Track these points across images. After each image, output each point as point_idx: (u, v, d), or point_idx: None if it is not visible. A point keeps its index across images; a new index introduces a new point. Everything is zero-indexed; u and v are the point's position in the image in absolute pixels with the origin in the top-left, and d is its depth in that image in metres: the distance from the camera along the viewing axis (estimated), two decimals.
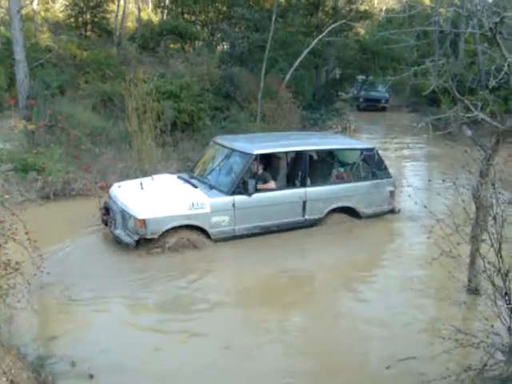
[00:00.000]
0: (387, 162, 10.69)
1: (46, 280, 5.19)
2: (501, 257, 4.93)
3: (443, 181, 6.10)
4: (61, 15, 30.89)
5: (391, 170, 10.77)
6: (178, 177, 9.98)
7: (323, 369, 5.84)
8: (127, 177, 10.55)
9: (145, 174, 10.55)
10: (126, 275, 8.06)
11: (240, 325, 6.75)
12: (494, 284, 4.96)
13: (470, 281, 7.18)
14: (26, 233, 4.65)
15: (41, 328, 6.37)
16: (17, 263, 4.93)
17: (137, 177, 10.25)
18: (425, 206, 6.08)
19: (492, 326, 4.99)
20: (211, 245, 8.84)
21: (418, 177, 14.87)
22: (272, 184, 9.45)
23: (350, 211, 10.12)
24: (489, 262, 5.01)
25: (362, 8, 24.31)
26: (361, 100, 29.19)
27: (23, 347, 5.62)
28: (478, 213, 6.75)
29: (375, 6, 41.50)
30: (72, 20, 27.71)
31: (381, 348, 6.27)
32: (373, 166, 10.12)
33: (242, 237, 9.12)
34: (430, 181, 9.79)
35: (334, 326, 6.74)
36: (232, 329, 6.57)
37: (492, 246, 5.02)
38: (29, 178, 10.30)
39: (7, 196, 4.99)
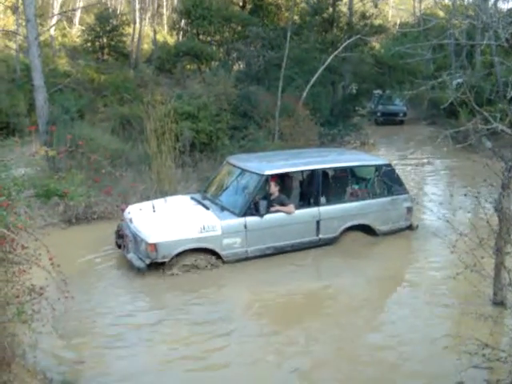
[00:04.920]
0: (408, 177, 10.60)
1: (70, 304, 5.20)
2: None
3: (465, 195, 6.05)
4: (78, 40, 31.37)
5: (411, 185, 10.69)
6: (191, 198, 9.95)
7: None
8: (147, 198, 10.58)
9: (165, 196, 10.58)
10: (145, 299, 8.15)
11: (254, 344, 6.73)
12: None
13: (495, 294, 7.11)
14: (50, 258, 4.67)
15: (66, 353, 6.37)
16: (41, 288, 4.96)
17: (156, 198, 10.27)
18: (447, 221, 6.03)
19: None
20: (224, 266, 8.81)
21: (439, 191, 14.72)
22: (291, 208, 9.28)
23: (366, 229, 9.98)
24: None
25: (377, 23, 24.28)
26: (378, 114, 29.09)
27: (49, 372, 5.64)
28: (501, 225, 6.68)
29: (389, 20, 41.53)
30: (89, 44, 28.10)
31: (408, 365, 6.21)
32: (389, 181, 9.99)
33: (255, 257, 9.06)
34: (452, 196, 9.64)
35: (355, 344, 6.68)
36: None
37: None
38: (51, 202, 10.40)
39: (30, 221, 5.00)
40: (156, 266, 8.50)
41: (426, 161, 17.42)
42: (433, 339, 6.65)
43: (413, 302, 7.81)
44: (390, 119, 28.89)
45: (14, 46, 26.04)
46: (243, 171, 9.67)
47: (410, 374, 6.05)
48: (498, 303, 7.07)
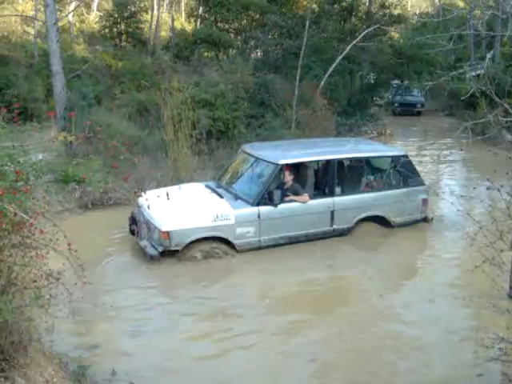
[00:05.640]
0: (427, 168, 10.50)
1: (87, 289, 5.22)
2: None
3: (488, 188, 5.98)
4: (96, 26, 31.38)
5: (430, 177, 10.59)
6: (206, 185, 9.93)
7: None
8: (164, 185, 10.59)
9: (181, 183, 10.57)
10: (159, 287, 8.20)
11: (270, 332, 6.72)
12: None
13: (511, 288, 7.05)
14: (69, 244, 4.68)
15: (82, 337, 6.41)
16: (58, 273, 4.97)
17: (173, 185, 10.27)
18: (468, 214, 5.97)
19: None
20: (237, 255, 8.80)
21: (459, 183, 14.60)
22: (306, 197, 9.21)
23: (381, 220, 9.90)
24: None
25: (396, 12, 24.09)
26: (396, 105, 28.90)
27: (65, 356, 5.68)
28: None
29: (409, 9, 41.23)
30: (107, 31, 28.07)
31: (422, 356, 6.18)
32: (405, 173, 9.89)
33: (268, 247, 9.04)
34: (474, 188, 9.50)
35: (370, 336, 6.65)
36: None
37: None
38: (67, 188, 10.44)
39: (48, 207, 5.01)
40: (169, 254, 8.50)
41: (446, 152, 17.25)
42: (449, 331, 6.63)
43: (428, 294, 7.77)
44: (407, 110, 28.71)
45: (32, 31, 26.17)
46: (258, 160, 9.61)
47: (427, 364, 6.03)
48: None
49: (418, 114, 28.98)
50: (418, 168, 10.69)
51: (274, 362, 6.08)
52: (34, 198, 4.69)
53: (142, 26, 29.17)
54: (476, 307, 7.09)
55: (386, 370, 5.98)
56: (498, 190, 5.45)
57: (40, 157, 5.49)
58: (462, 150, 16.20)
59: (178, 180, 11.40)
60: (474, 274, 5.67)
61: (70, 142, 8.41)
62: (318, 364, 6.11)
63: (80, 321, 6.52)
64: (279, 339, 6.58)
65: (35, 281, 4.85)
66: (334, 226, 9.48)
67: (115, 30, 27.86)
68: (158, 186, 11.01)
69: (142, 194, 8.37)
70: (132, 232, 9.24)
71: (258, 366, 6.00)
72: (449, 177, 15.32)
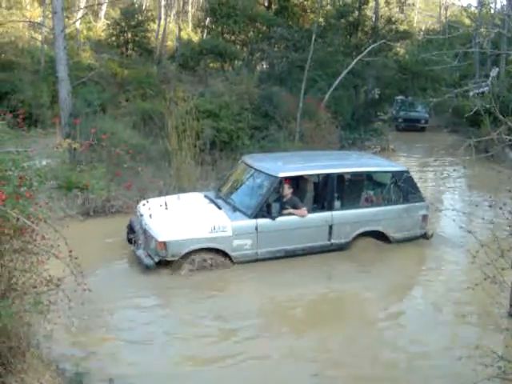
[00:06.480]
0: (429, 184, 10.48)
1: (86, 296, 5.21)
2: None
3: (490, 206, 5.98)
4: (103, 34, 31.52)
5: (432, 193, 10.57)
6: (205, 196, 9.87)
7: None
8: (166, 194, 10.58)
9: (184, 192, 10.57)
10: (157, 296, 8.18)
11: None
12: None
13: (511, 306, 7.04)
14: (70, 250, 4.68)
15: (80, 344, 6.40)
16: (58, 279, 4.97)
17: (175, 194, 10.27)
18: (469, 231, 5.96)
19: None
20: (233, 266, 8.74)
21: (461, 200, 14.58)
22: (304, 211, 9.11)
23: (380, 235, 9.80)
24: None
25: (402, 28, 24.23)
26: (400, 120, 28.89)
27: (62, 363, 5.67)
28: None
29: (414, 25, 41.38)
30: (113, 39, 28.20)
31: (420, 374, 6.16)
32: (405, 188, 9.79)
33: (264, 260, 8.96)
34: (477, 206, 9.48)
35: (365, 352, 6.61)
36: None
37: None
38: (70, 194, 10.45)
39: (50, 213, 5.02)
40: (166, 264, 8.46)
41: (448, 169, 17.23)
42: (448, 348, 6.60)
43: (427, 310, 7.75)
44: (411, 125, 28.69)
45: (39, 37, 26.25)
46: (257, 171, 9.54)
47: (425, 381, 6.01)
48: None
49: (422, 129, 28.98)
50: (420, 184, 10.66)
51: (274, 375, 6.05)
52: (36, 204, 4.71)
53: (149, 35, 29.31)
54: (476, 325, 7.07)
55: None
56: (501, 208, 5.45)
57: (44, 163, 5.51)
58: (464, 167, 16.19)
59: (180, 189, 11.40)
60: (474, 291, 5.67)
61: (74, 148, 8.43)
62: (321, 378, 6.08)
63: (78, 328, 6.52)
64: (272, 350, 6.54)
65: (35, 286, 4.86)
66: (332, 241, 9.39)
67: (122, 38, 27.98)
68: (160, 194, 10.99)
69: (146, 202, 8.36)
70: (129, 241, 9.21)
71: (255, 378, 5.98)
72: (451, 194, 15.29)
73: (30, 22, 25.96)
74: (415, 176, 10.51)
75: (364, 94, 24.40)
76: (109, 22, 30.14)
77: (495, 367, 5.02)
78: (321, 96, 18.84)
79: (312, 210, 9.36)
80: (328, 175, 9.50)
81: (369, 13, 24.80)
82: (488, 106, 7.24)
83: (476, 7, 24.52)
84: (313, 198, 9.75)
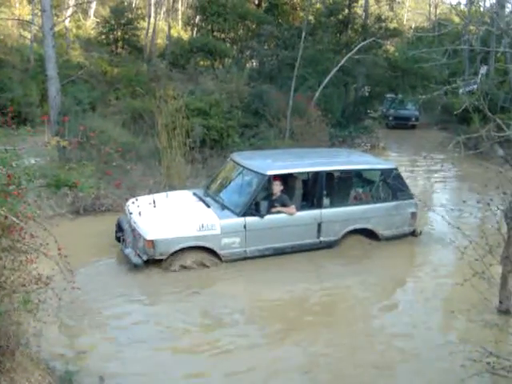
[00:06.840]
0: (419, 182, 10.52)
1: (76, 295, 5.21)
2: None
3: (478, 202, 6.02)
4: (92, 32, 31.45)
5: (421, 190, 10.60)
6: (194, 193, 9.87)
7: None
8: (156, 193, 10.58)
9: (173, 190, 10.55)
10: (146, 294, 8.15)
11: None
12: None
13: (501, 302, 7.09)
14: (59, 249, 4.67)
15: (70, 342, 6.39)
16: (48, 278, 4.96)
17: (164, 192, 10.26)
18: (458, 228, 5.99)
19: None
20: (222, 264, 8.74)
21: (450, 197, 14.64)
22: (293, 209, 9.12)
23: (369, 233, 9.83)
24: None
25: (392, 26, 24.19)
26: (390, 118, 28.91)
27: (52, 361, 5.66)
28: (509, 233, 6.64)
29: (404, 23, 41.46)
30: (103, 37, 28.15)
31: (410, 369, 6.19)
32: (393, 186, 9.82)
33: (253, 258, 8.98)
34: (464, 202, 9.52)
35: (356, 350, 6.62)
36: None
37: None
38: (59, 193, 10.41)
39: (39, 211, 5.00)
40: (154, 263, 8.46)
41: (437, 166, 17.29)
42: (438, 344, 6.63)
43: (416, 306, 7.78)
44: (401, 123, 28.73)
45: (28, 35, 26.16)
46: (246, 169, 9.53)
47: (414, 377, 6.03)
48: (504, 311, 7.05)
49: (413, 127, 29.02)
50: (409, 181, 10.68)
51: (265, 372, 6.05)
52: (25, 202, 4.69)
53: (139, 33, 29.28)
54: (465, 321, 7.11)
55: (373, 383, 5.98)
56: (488, 204, 5.49)
57: (33, 161, 5.50)
58: (452, 163, 16.26)
59: (170, 188, 11.38)
60: (463, 287, 5.70)
61: (63, 147, 8.40)
62: (312, 375, 6.09)
63: (68, 326, 6.52)
64: (268, 348, 6.56)
65: (24, 285, 4.84)
66: (321, 238, 9.41)
67: (111, 36, 27.93)
68: (150, 193, 10.99)
69: (135, 200, 8.34)
70: (118, 239, 9.20)
71: (246, 375, 5.99)
72: (440, 190, 15.34)
73: (19, 20, 25.88)
74: (404, 173, 10.53)
75: (354, 92, 24.34)
76: (98, 20, 30.13)
77: (484, 362, 5.06)
78: (311, 94, 18.81)
79: (301, 208, 9.36)
80: (317, 173, 9.50)
81: (359, 11, 24.76)
82: (477, 103, 7.27)
83: (465, 5, 24.62)
84: (302, 195, 9.75)
